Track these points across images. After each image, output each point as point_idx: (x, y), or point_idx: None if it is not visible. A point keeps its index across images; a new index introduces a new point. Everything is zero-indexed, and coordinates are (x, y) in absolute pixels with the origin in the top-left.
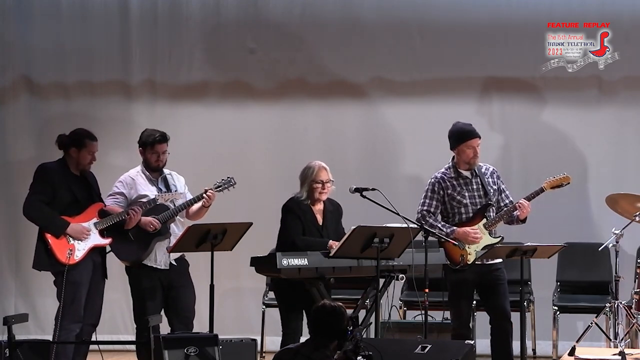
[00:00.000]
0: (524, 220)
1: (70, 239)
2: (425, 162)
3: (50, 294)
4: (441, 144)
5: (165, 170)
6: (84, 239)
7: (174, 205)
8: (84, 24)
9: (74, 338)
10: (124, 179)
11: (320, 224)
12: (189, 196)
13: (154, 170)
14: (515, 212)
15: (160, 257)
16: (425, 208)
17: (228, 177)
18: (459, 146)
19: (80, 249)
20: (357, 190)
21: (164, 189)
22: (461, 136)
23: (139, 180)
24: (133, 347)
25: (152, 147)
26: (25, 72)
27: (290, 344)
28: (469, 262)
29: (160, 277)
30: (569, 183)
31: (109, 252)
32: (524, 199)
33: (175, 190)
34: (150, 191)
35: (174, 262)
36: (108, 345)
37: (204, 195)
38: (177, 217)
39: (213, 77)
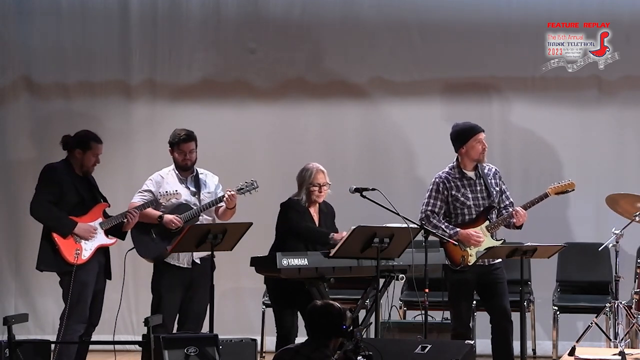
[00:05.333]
0: (519, 227)
1: (77, 238)
2: (426, 162)
3: (50, 294)
4: (441, 144)
5: (200, 170)
6: (91, 238)
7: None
8: (84, 24)
9: (77, 338)
10: (154, 177)
11: (318, 225)
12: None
13: (183, 169)
14: (511, 220)
15: (183, 256)
16: (429, 208)
17: (251, 180)
18: (468, 142)
19: (87, 249)
20: (357, 190)
21: (193, 188)
22: (469, 132)
23: (169, 179)
24: (133, 347)
25: (178, 146)
26: (25, 72)
27: (284, 344)
28: (470, 264)
29: (182, 276)
30: (573, 190)
31: (132, 249)
32: (528, 203)
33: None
34: (179, 189)
35: (197, 261)
36: (108, 345)
37: (225, 196)
38: (205, 216)
39: (213, 77)
